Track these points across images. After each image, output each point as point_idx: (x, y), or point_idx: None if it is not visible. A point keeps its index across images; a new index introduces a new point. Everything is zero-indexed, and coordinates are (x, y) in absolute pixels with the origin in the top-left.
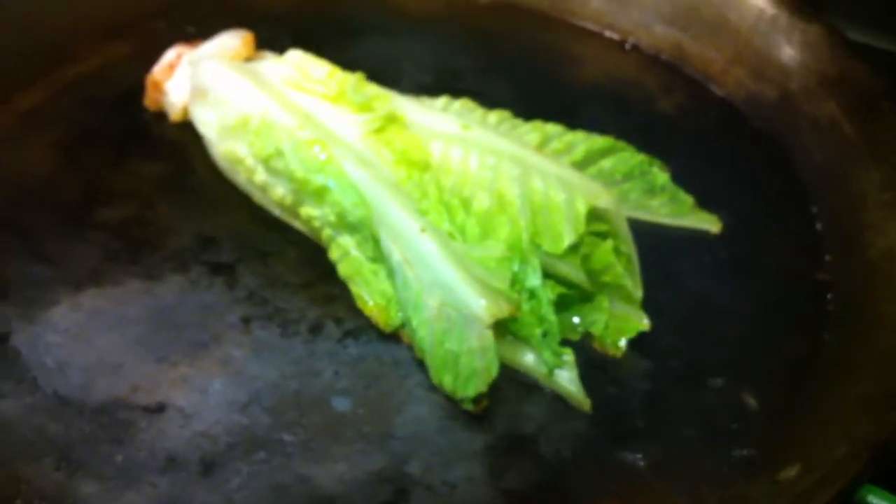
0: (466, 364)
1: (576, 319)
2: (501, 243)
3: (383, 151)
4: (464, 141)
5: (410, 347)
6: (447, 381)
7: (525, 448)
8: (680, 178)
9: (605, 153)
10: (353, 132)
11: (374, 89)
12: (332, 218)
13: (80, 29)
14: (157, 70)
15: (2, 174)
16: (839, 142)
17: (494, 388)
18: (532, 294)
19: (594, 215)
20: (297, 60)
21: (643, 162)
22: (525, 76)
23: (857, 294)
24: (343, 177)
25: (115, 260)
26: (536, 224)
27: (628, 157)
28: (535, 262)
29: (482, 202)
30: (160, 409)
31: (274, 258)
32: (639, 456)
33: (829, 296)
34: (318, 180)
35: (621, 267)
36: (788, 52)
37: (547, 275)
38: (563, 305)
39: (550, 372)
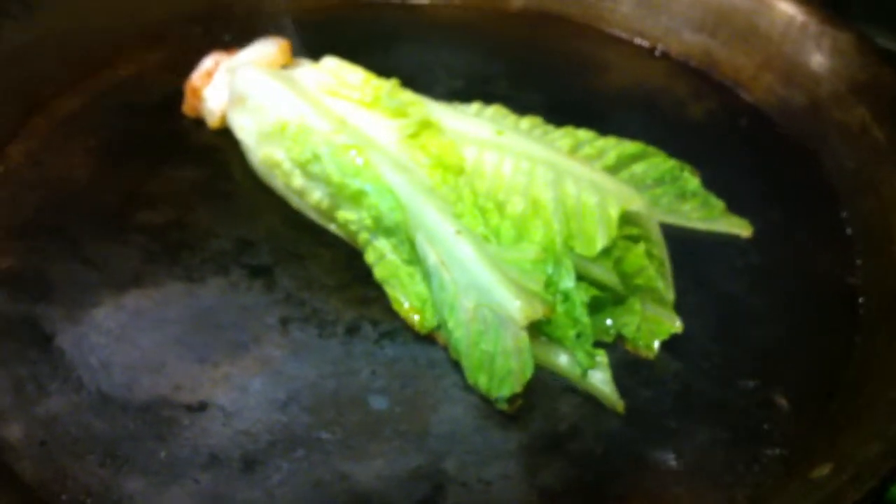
0: (502, 365)
1: (609, 321)
2: (536, 246)
3: (418, 156)
4: (497, 146)
5: (445, 348)
6: (482, 382)
7: (559, 447)
8: (710, 184)
9: (636, 158)
10: (389, 137)
11: (408, 95)
12: (368, 221)
13: (118, 37)
14: (196, 77)
15: (45, 179)
16: (869, 147)
17: (529, 388)
18: (566, 296)
19: (626, 219)
20: (333, 67)
21: (674, 167)
22: (556, 82)
23: (887, 298)
24: (379, 181)
25: (157, 262)
26: (570, 227)
27: (659, 163)
28: (568, 265)
29: (516, 206)
30: (202, 407)
31: (311, 261)
32: (671, 455)
33: (860, 299)
34: (354, 184)
35: (653, 270)
36: (818, 59)
37: (580, 277)
38: (596, 307)
39: (584, 373)
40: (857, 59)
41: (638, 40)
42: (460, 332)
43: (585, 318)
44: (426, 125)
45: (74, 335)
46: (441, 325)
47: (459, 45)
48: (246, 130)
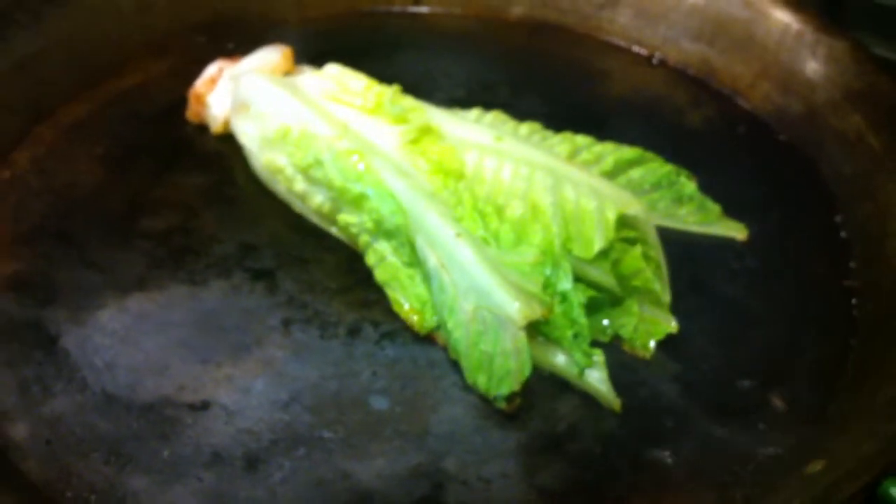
0: (500, 364)
1: (606, 322)
2: (534, 249)
3: (419, 161)
4: (497, 152)
5: (445, 349)
6: (481, 381)
7: (557, 446)
8: (708, 189)
9: (633, 163)
10: (390, 143)
11: (409, 101)
12: (369, 225)
13: (123, 45)
14: (200, 83)
15: (51, 185)
16: (865, 154)
17: (527, 388)
18: (564, 297)
19: (624, 222)
20: (335, 74)
21: (671, 172)
22: (555, 90)
23: (882, 300)
24: (381, 185)
25: (161, 267)
26: (568, 231)
27: (656, 168)
28: (566, 267)
29: (515, 210)
30: (205, 406)
31: (313, 264)
32: (667, 454)
33: (854, 301)
34: (356, 189)
35: (650, 272)
36: (814, 67)
37: (578, 279)
38: (593, 308)
39: (581, 372)
40: (853, 67)
41: (636, 48)
42: (460, 333)
43: (583, 319)
44: (427, 131)
45: (79, 337)
46: (440, 326)
47: (460, 53)
48: (249, 136)
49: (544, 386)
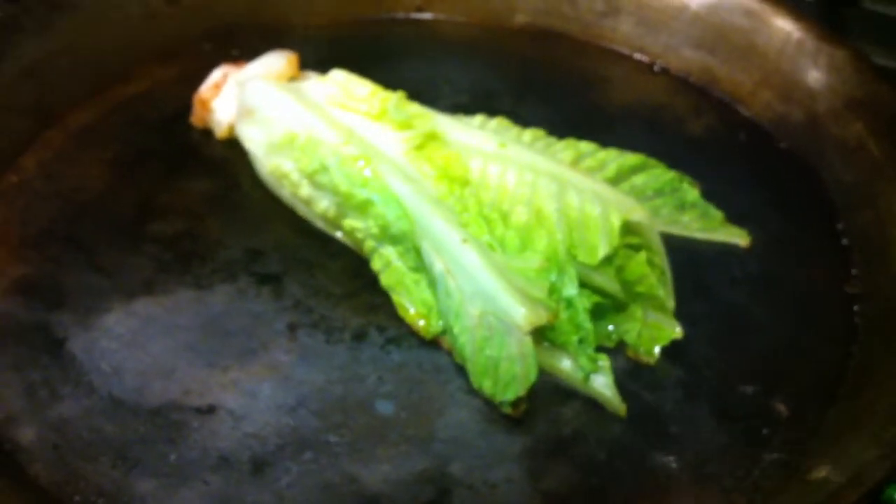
0: (506, 369)
1: (611, 327)
2: (539, 255)
3: (424, 167)
4: (501, 158)
5: (450, 354)
6: (487, 386)
7: (562, 451)
8: (710, 196)
9: (636, 170)
10: (395, 148)
11: (414, 108)
12: (374, 230)
13: (129, 52)
14: (204, 89)
15: (59, 190)
16: (866, 162)
17: (533, 393)
18: (569, 303)
19: (628, 229)
20: (341, 80)
21: (674, 179)
22: (558, 97)
23: (883, 306)
24: (386, 191)
25: (167, 271)
26: (573, 237)
27: (659, 174)
28: (571, 273)
29: (521, 216)
30: (211, 410)
31: (318, 269)
32: (672, 459)
33: (856, 308)
34: (362, 194)
35: (654, 278)
36: (815, 76)
37: (583, 285)
38: (598, 314)
39: (586, 377)
40: (854, 75)
41: (638, 56)
42: (465, 338)
43: (588, 325)
44: (432, 137)
45: (86, 341)
46: (446, 331)
47: (464, 60)
48: (255, 142)
49: (549, 391)
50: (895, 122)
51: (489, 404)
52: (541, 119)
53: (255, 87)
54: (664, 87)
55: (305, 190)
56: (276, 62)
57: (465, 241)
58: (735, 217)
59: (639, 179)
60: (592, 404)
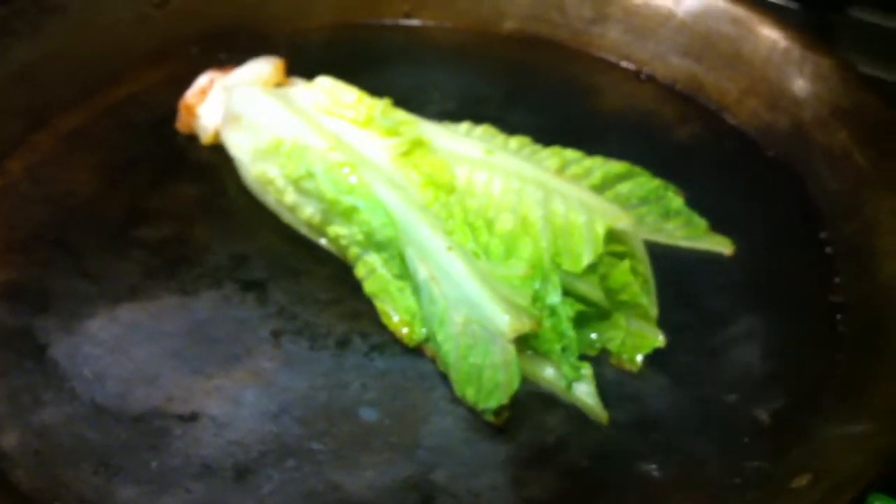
0: (489, 377)
1: (594, 335)
2: (524, 262)
3: (410, 174)
4: (488, 165)
5: (434, 361)
6: (470, 394)
7: (546, 459)
8: (695, 204)
9: (621, 178)
10: (382, 155)
11: (401, 114)
12: (359, 237)
13: (119, 55)
14: (190, 95)
15: (47, 194)
16: (851, 170)
17: (516, 400)
18: (552, 311)
19: (612, 237)
20: (327, 86)
21: (659, 187)
22: (545, 104)
23: (867, 315)
24: (372, 198)
25: (153, 276)
26: (557, 244)
27: (644, 182)
28: (555, 281)
29: (505, 223)
30: (194, 417)
31: (303, 276)
32: (654, 467)
33: (839, 317)
34: (347, 201)
35: (638, 286)
36: (801, 84)
37: (567, 293)
38: (581, 322)
39: (569, 385)
40: (839, 84)
41: (625, 64)
42: (449, 346)
43: (571, 333)
44: (418, 144)
45: (69, 347)
46: (430, 338)
47: (451, 67)
48: (240, 148)
49: (533, 399)
50: (880, 130)
51: (473, 412)
52: (528, 126)
53: (241, 93)
54: (651, 95)
55: (291, 196)
56: (262, 68)
57: (449, 248)
58: (719, 225)
59: (624, 187)
60: (576, 412)
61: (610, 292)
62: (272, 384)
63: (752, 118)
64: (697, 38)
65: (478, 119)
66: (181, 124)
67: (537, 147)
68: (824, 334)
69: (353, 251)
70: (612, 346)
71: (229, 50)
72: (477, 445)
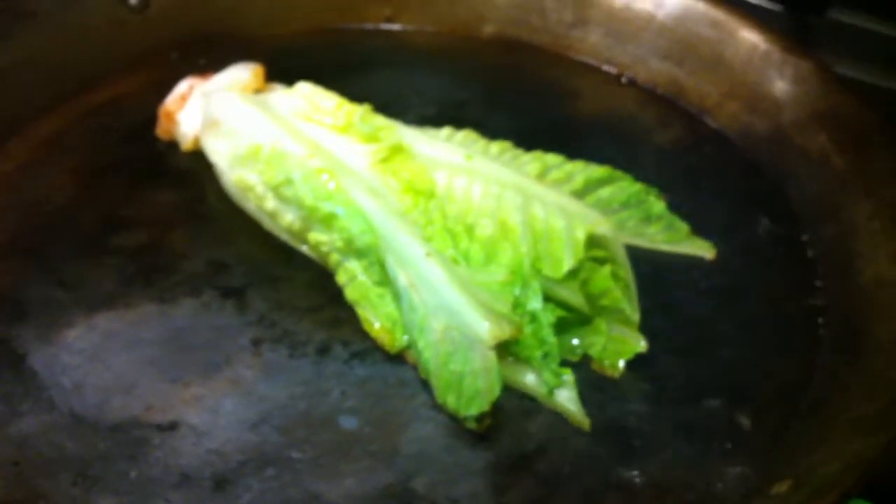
0: (470, 384)
1: (575, 341)
2: (504, 268)
3: (390, 180)
4: (468, 171)
5: (415, 368)
6: (451, 401)
7: (527, 465)
8: (676, 208)
9: (603, 182)
10: (361, 161)
11: (380, 120)
12: (339, 243)
13: (95, 61)
14: (170, 101)
15: (22, 202)
16: (830, 173)
17: (497, 407)
18: (533, 317)
19: (593, 242)
20: (307, 92)
21: (640, 191)
22: (526, 109)
23: (847, 319)
24: (351, 204)
25: (131, 284)
26: (537, 250)
27: (626, 186)
28: (536, 287)
29: (485, 229)
30: (173, 427)
31: (283, 283)
32: (636, 473)
33: (820, 320)
34: (326, 207)
35: (619, 291)
36: (781, 87)
37: (547, 298)
38: (562, 328)
39: (550, 392)
40: (819, 87)
41: (606, 67)
42: (429, 353)
43: (552, 339)
44: (398, 150)
45: (47, 356)
46: (411, 345)
47: (432, 71)
48: (220, 154)
49: (514, 405)
50: (859, 133)
51: (454, 419)
52: (509, 130)
53: (220, 99)
54: (632, 99)
55: (270, 203)
56: (241, 74)
57: (429, 254)
58: (700, 229)
59: (605, 192)
60: (557, 419)
61: (591, 298)
62: (251, 392)
63: (732, 122)
64: (678, 41)
65: (458, 123)
66: (161, 130)
67: (518, 152)
68: (805, 338)
69: (334, 258)
70: (594, 351)
71: (209, 56)
72: (457, 453)
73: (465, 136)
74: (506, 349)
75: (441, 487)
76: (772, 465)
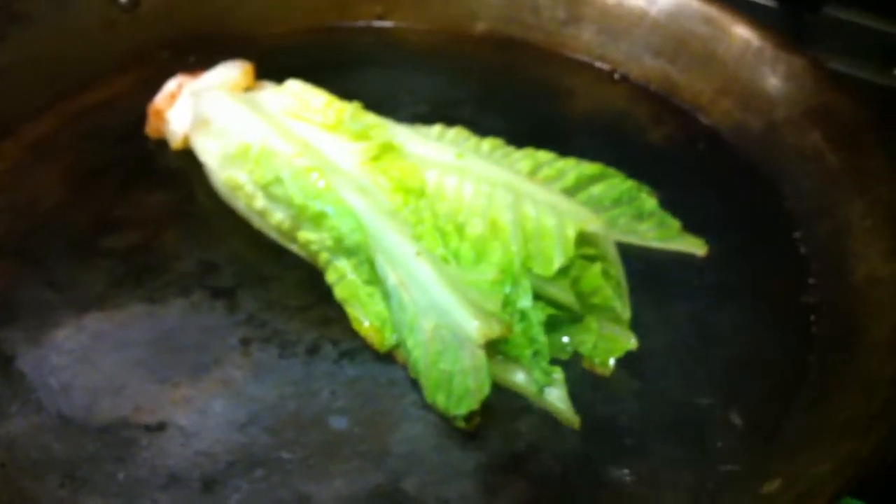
0: (460, 383)
1: (565, 339)
2: (494, 267)
3: (380, 179)
4: (458, 169)
5: (405, 367)
6: (440, 400)
7: (517, 465)
8: (669, 205)
9: (594, 179)
10: (351, 160)
11: (371, 118)
12: (329, 242)
13: (86, 62)
14: (159, 99)
15: (12, 203)
16: (823, 171)
17: (487, 407)
18: (523, 315)
19: (583, 240)
20: (296, 90)
21: (632, 188)
22: (519, 106)
23: (840, 317)
24: (340, 203)
25: (120, 285)
26: (528, 248)
27: (617, 184)
28: (526, 285)
29: (476, 228)
30: (161, 428)
31: (273, 282)
32: (626, 472)
33: (812, 318)
34: (316, 206)
35: (610, 289)
36: (774, 83)
37: (538, 297)
38: (553, 326)
39: (540, 390)
40: (812, 83)
41: (599, 64)
42: (419, 352)
43: (542, 337)
44: (388, 148)
45: (35, 357)
46: (400, 345)
47: (424, 69)
48: (209, 153)
49: (504, 404)
50: (851, 130)
51: (444, 418)
52: (501, 128)
53: (209, 98)
54: (624, 96)
55: (260, 202)
56: (231, 72)
57: (418, 253)
58: (693, 226)
59: (597, 189)
60: (547, 418)
61: (581, 296)
62: (241, 393)
63: (725, 118)
64: (671, 38)
65: (450, 121)
66: (150, 129)
67: (510, 149)
68: (798, 336)
69: (324, 256)
70: (584, 349)
71: (199, 54)
72: (448, 452)
73: (457, 133)
74: (495, 348)
75: (431, 488)
76: (763, 465)
